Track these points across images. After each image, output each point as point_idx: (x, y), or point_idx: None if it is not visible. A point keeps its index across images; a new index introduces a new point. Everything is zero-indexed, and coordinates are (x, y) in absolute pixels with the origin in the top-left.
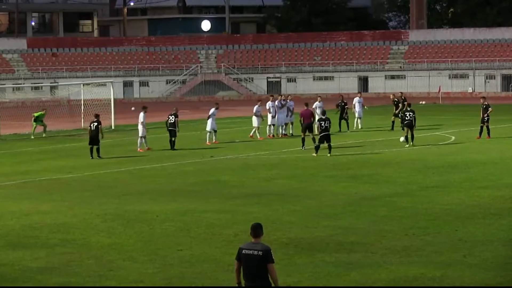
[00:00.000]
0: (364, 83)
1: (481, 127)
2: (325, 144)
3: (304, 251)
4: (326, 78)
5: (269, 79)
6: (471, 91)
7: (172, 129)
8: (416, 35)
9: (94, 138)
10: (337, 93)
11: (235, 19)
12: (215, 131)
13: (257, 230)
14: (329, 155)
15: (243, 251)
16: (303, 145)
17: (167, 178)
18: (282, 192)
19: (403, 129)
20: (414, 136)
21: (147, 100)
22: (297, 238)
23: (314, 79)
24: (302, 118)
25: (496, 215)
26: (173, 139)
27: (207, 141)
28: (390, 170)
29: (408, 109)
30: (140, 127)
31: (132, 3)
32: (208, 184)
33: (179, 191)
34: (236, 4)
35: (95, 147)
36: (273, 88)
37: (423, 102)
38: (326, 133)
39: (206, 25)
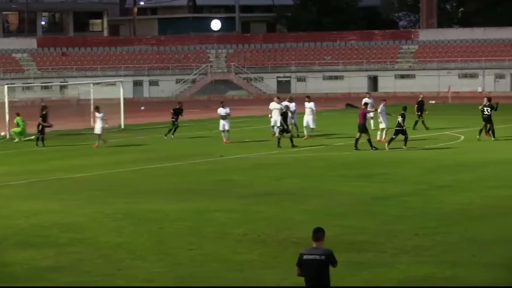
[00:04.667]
0: (373, 82)
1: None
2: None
3: None
4: (335, 78)
5: (279, 79)
6: (481, 90)
7: (399, 129)
8: (426, 35)
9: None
10: (347, 93)
11: (245, 18)
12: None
13: (317, 233)
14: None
15: (304, 257)
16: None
17: (179, 177)
18: (293, 191)
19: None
20: (494, 130)
21: (156, 99)
22: (307, 237)
23: (323, 79)
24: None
25: (506, 215)
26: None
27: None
28: (401, 170)
29: (487, 104)
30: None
31: (142, 3)
32: (219, 183)
33: (190, 190)
34: (246, 4)
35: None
36: (283, 87)
37: (433, 102)
38: None
39: (216, 25)
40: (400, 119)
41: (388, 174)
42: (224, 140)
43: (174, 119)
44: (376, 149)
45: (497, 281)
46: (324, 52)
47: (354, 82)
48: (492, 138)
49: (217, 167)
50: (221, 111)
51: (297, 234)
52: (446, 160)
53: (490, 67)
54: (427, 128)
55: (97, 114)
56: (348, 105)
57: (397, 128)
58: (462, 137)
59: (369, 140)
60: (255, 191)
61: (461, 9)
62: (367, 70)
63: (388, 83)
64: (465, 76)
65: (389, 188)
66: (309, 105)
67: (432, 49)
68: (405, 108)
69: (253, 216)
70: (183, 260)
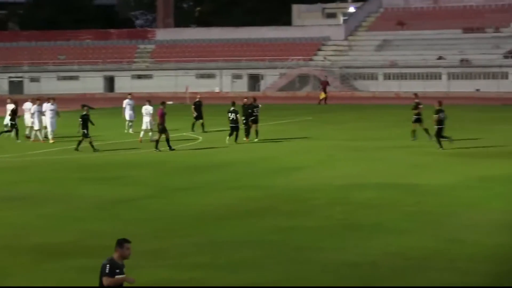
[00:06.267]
0: (110, 83)
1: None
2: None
3: (51, 257)
4: (71, 78)
5: (11, 79)
6: (218, 90)
7: (234, 125)
8: (163, 34)
9: None
10: (82, 93)
11: None
12: None
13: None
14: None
15: None
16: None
17: None
18: (28, 195)
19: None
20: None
21: None
22: (44, 243)
23: (58, 79)
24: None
25: (244, 216)
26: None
27: None
28: (139, 172)
29: (257, 104)
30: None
31: None
32: None
33: None
34: None
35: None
36: (16, 88)
37: (171, 102)
38: None
39: None
40: (233, 115)
41: (127, 177)
42: None
43: (13, 122)
44: (174, 149)
45: (234, 283)
46: (59, 51)
47: (90, 83)
48: (256, 139)
49: None
50: None
51: (34, 240)
52: (185, 162)
53: (227, 67)
54: (204, 131)
55: None
56: (84, 106)
57: (232, 125)
58: (201, 138)
59: (167, 140)
60: None
61: (198, 8)
62: (103, 70)
63: (125, 84)
64: (202, 76)
65: (128, 191)
66: (52, 107)
67: (170, 49)
68: (233, 104)
69: None
70: None
